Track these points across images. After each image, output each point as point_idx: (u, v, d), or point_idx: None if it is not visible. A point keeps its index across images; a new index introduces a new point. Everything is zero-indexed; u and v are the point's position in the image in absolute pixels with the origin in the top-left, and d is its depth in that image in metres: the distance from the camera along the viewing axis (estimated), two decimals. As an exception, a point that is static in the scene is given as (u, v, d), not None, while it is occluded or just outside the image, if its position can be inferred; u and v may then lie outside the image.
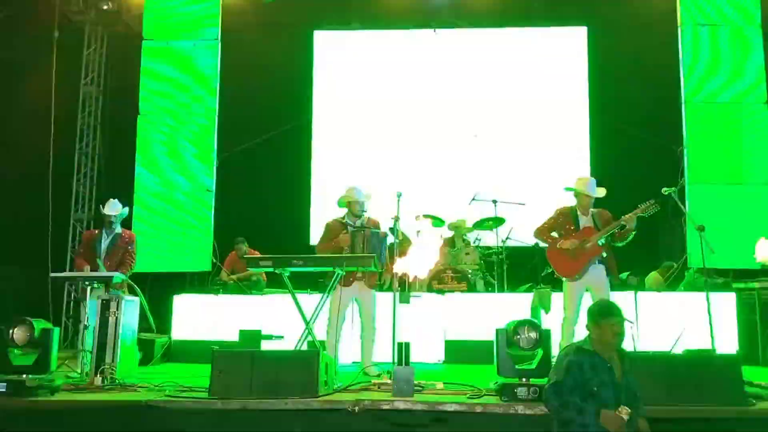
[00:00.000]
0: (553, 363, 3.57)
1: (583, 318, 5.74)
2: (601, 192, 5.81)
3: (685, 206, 7.08)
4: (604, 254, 5.65)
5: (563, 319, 5.73)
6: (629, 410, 3.26)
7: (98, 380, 4.94)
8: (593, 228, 5.69)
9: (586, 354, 3.41)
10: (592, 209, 5.81)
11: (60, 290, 9.11)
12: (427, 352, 6.97)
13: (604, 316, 3.45)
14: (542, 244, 6.08)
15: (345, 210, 6.10)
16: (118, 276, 5.73)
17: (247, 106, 9.73)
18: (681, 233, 8.10)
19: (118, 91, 10.08)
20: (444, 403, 4.25)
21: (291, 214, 9.87)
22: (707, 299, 5.29)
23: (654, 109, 9.13)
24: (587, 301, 5.73)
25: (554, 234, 5.81)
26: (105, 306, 5.21)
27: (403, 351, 4.57)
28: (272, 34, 10.00)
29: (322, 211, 9.23)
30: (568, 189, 5.87)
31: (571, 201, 5.91)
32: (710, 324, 5.19)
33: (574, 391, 3.32)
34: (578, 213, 5.79)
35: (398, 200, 5.87)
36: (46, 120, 9.17)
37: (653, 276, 8.51)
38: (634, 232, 5.58)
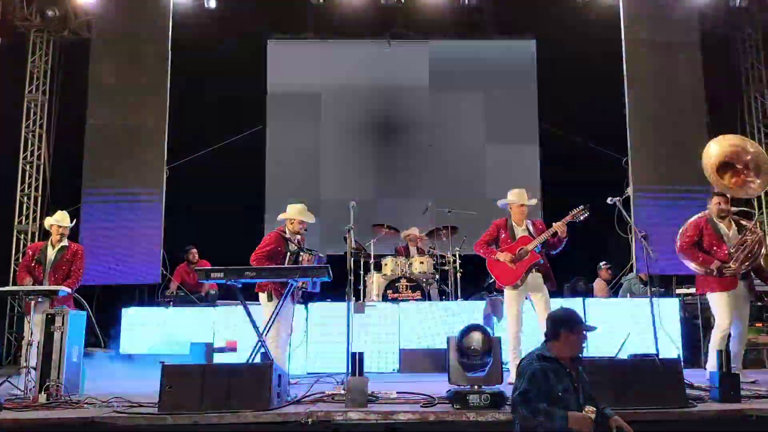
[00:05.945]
0: (508, 371, 3.61)
1: (527, 324, 5.92)
2: (532, 201, 6.06)
3: (629, 215, 7.29)
4: (541, 261, 5.84)
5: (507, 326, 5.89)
6: (594, 409, 3.37)
7: (43, 397, 4.79)
8: (529, 237, 5.90)
9: (548, 361, 3.52)
10: (527, 220, 6.02)
11: (2, 305, 8.78)
12: (382, 361, 7.00)
13: (576, 323, 3.56)
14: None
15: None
16: (63, 290, 5.58)
17: (198, 115, 9.60)
18: (626, 241, 8.34)
19: (64, 98, 9.81)
20: (397, 412, 4.27)
21: (243, 225, 9.75)
22: (651, 305, 5.47)
23: (601, 120, 9.40)
24: (528, 308, 5.90)
25: (492, 247, 5.97)
26: (50, 320, 5.06)
27: (356, 361, 4.58)
28: (225, 42, 9.91)
29: (276, 222, 9.17)
30: (498, 202, 6.10)
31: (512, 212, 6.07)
32: (654, 329, 5.36)
33: (540, 397, 3.42)
34: (513, 224, 6.00)
35: (352, 211, 5.89)
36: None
37: (599, 283, 8.74)
38: (566, 239, 5.80)
